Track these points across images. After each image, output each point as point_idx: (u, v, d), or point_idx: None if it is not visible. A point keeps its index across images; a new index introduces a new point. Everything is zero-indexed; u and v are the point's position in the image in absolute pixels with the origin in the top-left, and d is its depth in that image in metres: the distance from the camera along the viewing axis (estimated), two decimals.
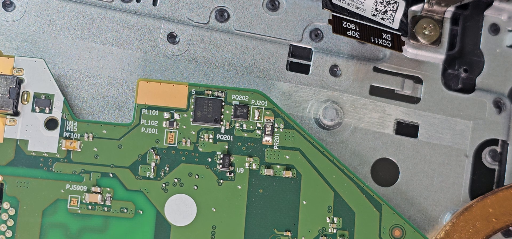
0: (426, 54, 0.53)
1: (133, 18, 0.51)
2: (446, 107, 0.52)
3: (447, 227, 0.49)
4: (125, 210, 0.47)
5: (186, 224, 0.47)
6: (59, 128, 0.47)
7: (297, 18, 0.52)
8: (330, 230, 0.47)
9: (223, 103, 0.48)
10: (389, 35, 0.50)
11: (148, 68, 0.51)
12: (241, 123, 0.48)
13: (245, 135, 0.48)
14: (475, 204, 0.49)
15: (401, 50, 0.50)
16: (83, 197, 0.46)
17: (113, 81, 0.50)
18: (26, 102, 0.47)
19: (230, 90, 0.48)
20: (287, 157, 0.48)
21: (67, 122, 0.47)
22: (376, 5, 0.50)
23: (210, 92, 0.48)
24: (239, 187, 0.47)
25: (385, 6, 0.50)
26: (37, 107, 0.47)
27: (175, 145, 0.47)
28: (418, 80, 0.53)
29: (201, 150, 0.47)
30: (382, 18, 0.50)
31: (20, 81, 0.47)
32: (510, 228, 0.50)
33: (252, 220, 0.47)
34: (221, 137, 0.48)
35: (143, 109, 0.47)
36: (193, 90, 0.48)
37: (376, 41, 0.49)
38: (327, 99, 0.52)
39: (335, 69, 0.52)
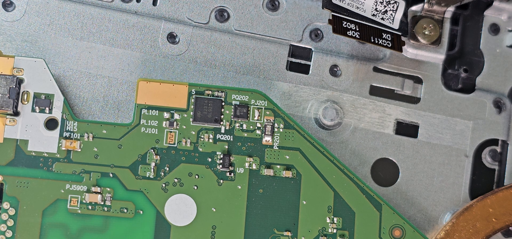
0: (426, 54, 0.53)
1: (133, 18, 0.51)
2: (446, 107, 0.52)
3: (447, 227, 0.49)
4: (125, 210, 0.47)
5: (186, 224, 0.47)
6: (59, 128, 0.47)
7: (297, 18, 0.52)
8: (330, 230, 0.47)
9: (223, 103, 0.48)
10: (389, 35, 0.50)
11: (148, 68, 0.51)
12: (241, 123, 0.48)
13: (245, 135, 0.48)
14: (475, 204, 0.49)
15: (401, 50, 0.50)
16: (83, 197, 0.46)
17: (113, 81, 0.50)
18: (26, 102, 0.47)
19: (230, 90, 0.48)
20: (287, 157, 0.48)
21: (67, 121, 0.47)
22: (376, 5, 0.50)
23: (210, 92, 0.48)
24: (239, 187, 0.47)
25: (385, 6, 0.50)
26: (37, 107, 0.47)
27: (175, 145, 0.47)
28: (418, 80, 0.53)
29: (201, 150, 0.47)
30: (382, 18, 0.50)
31: (20, 81, 0.47)
32: (510, 228, 0.50)
33: (252, 220, 0.47)
34: (221, 137, 0.48)
35: (143, 109, 0.47)
36: (193, 90, 0.48)
37: (376, 41, 0.49)
38: (327, 99, 0.52)
39: (335, 69, 0.52)
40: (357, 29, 0.49)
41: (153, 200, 0.47)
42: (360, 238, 0.47)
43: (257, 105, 0.48)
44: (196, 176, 0.47)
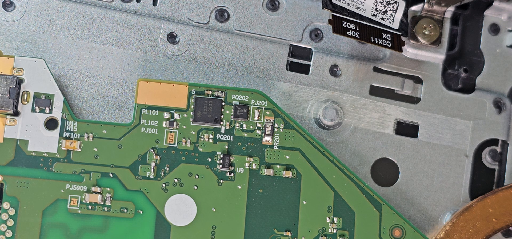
0: (426, 54, 0.53)
1: (133, 18, 0.51)
2: (446, 107, 0.52)
3: (447, 227, 0.49)
4: (125, 210, 0.47)
5: (186, 224, 0.47)
6: (59, 128, 0.47)
7: (297, 18, 0.52)
8: (330, 230, 0.47)
9: (223, 103, 0.48)
10: (389, 35, 0.50)
11: (148, 68, 0.51)
12: (241, 123, 0.48)
13: (245, 135, 0.48)
14: (475, 204, 0.49)
15: (401, 50, 0.50)
16: (83, 197, 0.46)
17: (113, 81, 0.50)
18: (26, 102, 0.47)
19: (230, 90, 0.48)
20: (287, 157, 0.48)
21: (67, 121, 0.47)
22: (376, 5, 0.50)
23: (210, 92, 0.48)
24: (239, 187, 0.47)
25: (385, 6, 0.50)
26: (37, 107, 0.47)
27: (175, 145, 0.47)
28: (418, 80, 0.53)
29: (201, 150, 0.47)
30: (382, 18, 0.50)
31: (20, 81, 0.47)
32: (510, 228, 0.50)
33: (252, 220, 0.47)
34: (221, 137, 0.48)
35: (143, 109, 0.47)
36: (193, 90, 0.48)
37: (376, 41, 0.49)
38: (327, 99, 0.52)
39: (335, 69, 0.52)
40: (357, 29, 0.49)
41: (153, 200, 0.47)
42: (360, 238, 0.47)
43: (257, 105, 0.48)
44: (196, 176, 0.47)
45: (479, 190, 0.52)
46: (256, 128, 0.48)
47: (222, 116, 0.48)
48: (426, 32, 0.52)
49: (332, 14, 0.49)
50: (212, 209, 0.47)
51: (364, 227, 0.48)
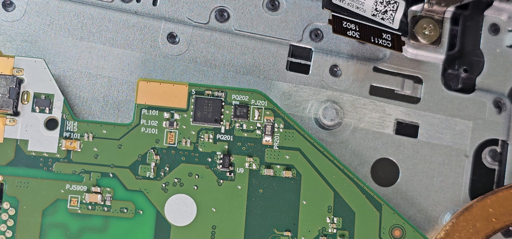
0: (426, 54, 0.53)
1: (133, 18, 0.51)
2: (446, 107, 0.52)
3: (447, 227, 0.49)
4: (125, 210, 0.47)
5: (186, 224, 0.47)
6: (59, 128, 0.47)
7: (297, 18, 0.52)
8: (330, 230, 0.47)
9: (223, 103, 0.48)
10: (389, 35, 0.50)
11: (148, 68, 0.51)
12: (241, 123, 0.48)
13: (245, 135, 0.48)
14: (475, 204, 0.49)
15: (401, 50, 0.50)
16: (83, 197, 0.46)
17: (113, 81, 0.50)
18: (26, 102, 0.47)
19: (230, 90, 0.48)
20: (287, 157, 0.48)
21: (67, 121, 0.47)
22: (376, 5, 0.50)
23: (210, 92, 0.48)
24: (239, 187, 0.47)
25: (385, 6, 0.50)
26: (37, 107, 0.47)
27: (175, 145, 0.47)
28: (418, 80, 0.53)
29: (201, 150, 0.47)
30: (382, 18, 0.50)
31: (20, 81, 0.47)
32: (510, 228, 0.50)
33: (252, 220, 0.47)
34: (221, 137, 0.48)
35: (143, 109, 0.47)
36: (193, 90, 0.48)
37: (376, 41, 0.49)
38: (327, 99, 0.52)
39: (335, 69, 0.52)
40: (357, 29, 0.49)
41: (153, 200, 0.47)
42: (360, 238, 0.47)
43: (257, 105, 0.48)
44: (196, 176, 0.47)
45: (479, 190, 0.52)
46: (256, 128, 0.48)
47: (222, 116, 0.48)
48: (426, 32, 0.52)
49: (332, 14, 0.49)
50: (212, 209, 0.47)
51: (364, 227, 0.48)
